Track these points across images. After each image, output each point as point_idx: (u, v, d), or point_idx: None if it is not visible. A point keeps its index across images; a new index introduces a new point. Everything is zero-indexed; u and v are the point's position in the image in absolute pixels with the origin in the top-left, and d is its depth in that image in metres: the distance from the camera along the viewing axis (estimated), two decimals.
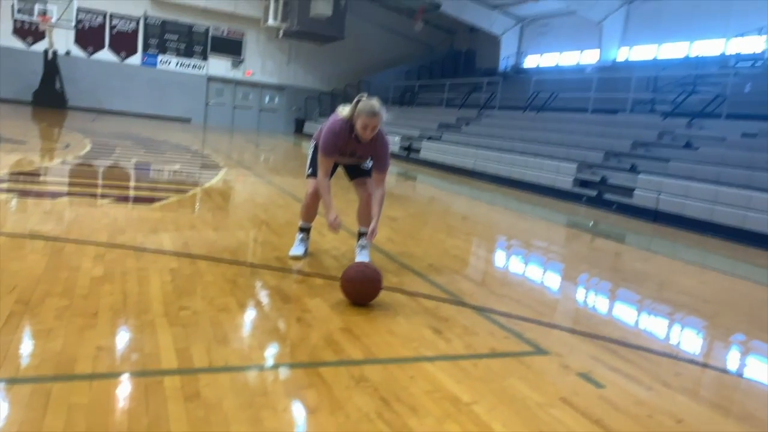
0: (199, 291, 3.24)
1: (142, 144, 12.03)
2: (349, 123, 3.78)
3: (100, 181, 7.13)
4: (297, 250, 4.21)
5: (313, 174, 4.05)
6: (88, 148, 9.94)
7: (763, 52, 13.74)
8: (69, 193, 5.97)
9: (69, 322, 2.60)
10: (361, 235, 4.22)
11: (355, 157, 4.01)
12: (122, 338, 2.54)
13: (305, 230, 4.29)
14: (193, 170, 9.18)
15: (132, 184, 7.30)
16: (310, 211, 4.21)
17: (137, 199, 6.17)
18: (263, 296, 3.35)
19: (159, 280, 3.34)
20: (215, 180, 8.10)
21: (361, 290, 3.28)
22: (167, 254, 3.90)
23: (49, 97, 20.69)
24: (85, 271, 3.35)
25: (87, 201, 5.56)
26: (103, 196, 6.04)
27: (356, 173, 4.20)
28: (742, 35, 14.29)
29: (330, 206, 3.85)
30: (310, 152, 4.21)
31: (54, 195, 5.70)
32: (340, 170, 4.25)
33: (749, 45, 14.13)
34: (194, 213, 5.63)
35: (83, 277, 3.24)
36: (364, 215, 4.15)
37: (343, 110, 3.82)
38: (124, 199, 6.03)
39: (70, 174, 7.31)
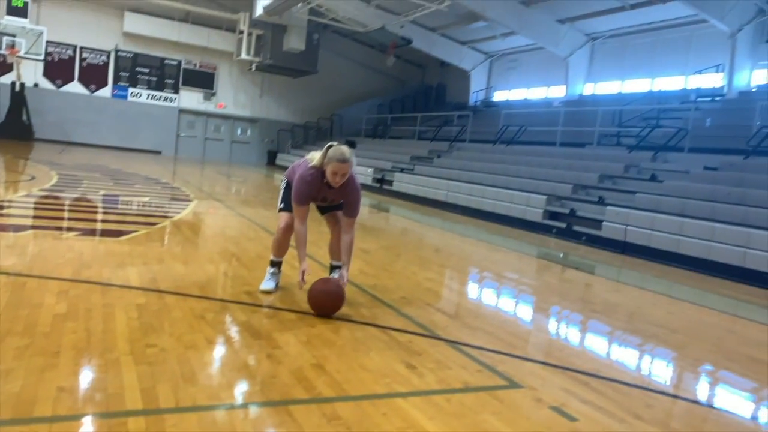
0: (166, 327, 3.16)
1: (110, 176, 11.86)
2: (320, 170, 3.82)
3: (66, 214, 6.98)
4: (268, 284, 4.17)
5: (285, 209, 4.09)
6: (54, 180, 9.75)
7: (722, 88, 14.30)
8: (33, 227, 5.81)
9: (29, 362, 2.51)
10: (333, 268, 4.23)
11: (327, 202, 4.08)
12: (85, 378, 2.45)
13: (277, 264, 4.26)
14: (162, 202, 9.06)
15: (99, 216, 7.16)
16: (281, 245, 4.20)
17: (104, 233, 6.04)
18: (233, 332, 3.29)
19: (125, 316, 3.25)
20: (185, 212, 7.99)
21: (324, 304, 3.65)
22: (134, 289, 3.81)
23: (16, 129, 20.32)
24: (48, 307, 3.25)
25: (52, 234, 5.43)
26: (69, 229, 5.90)
27: (328, 209, 4.24)
28: (700, 72, 14.87)
29: (303, 258, 3.88)
30: (282, 188, 4.22)
31: (17, 228, 5.55)
32: (311, 204, 4.24)
33: (708, 81, 14.69)
34: (163, 246, 5.53)
35: (45, 314, 3.14)
36: (336, 249, 4.19)
37: (314, 158, 3.85)
38: (91, 232, 5.90)
39: (35, 207, 7.14)
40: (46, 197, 7.90)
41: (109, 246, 5.16)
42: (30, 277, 3.81)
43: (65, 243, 5.06)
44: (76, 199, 8.14)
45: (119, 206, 8.12)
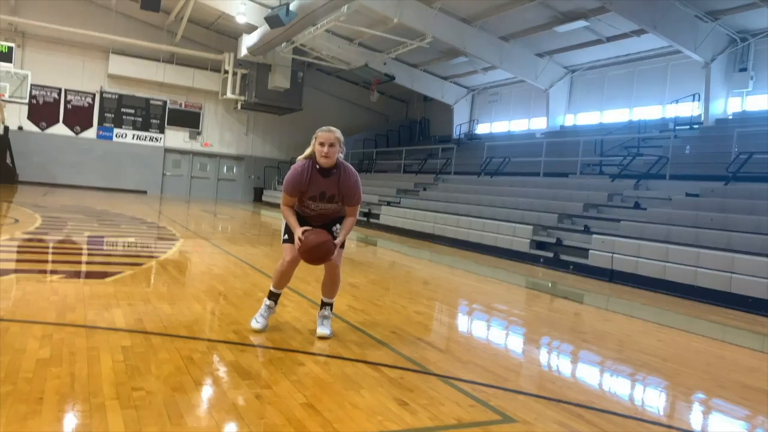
0: (153, 369, 3.10)
1: (95, 217, 11.77)
2: (310, 161, 3.86)
3: (50, 257, 6.89)
4: (258, 322, 4.06)
5: (290, 240, 3.96)
6: (38, 222, 9.65)
7: (699, 116, 14.63)
8: (16, 270, 5.72)
9: (11, 410, 2.44)
10: (323, 304, 4.16)
11: (325, 200, 3.91)
12: (69, 424, 2.39)
13: (274, 297, 4.13)
14: (148, 242, 8.98)
15: (84, 258, 7.08)
16: (283, 277, 4.07)
17: (89, 274, 5.96)
18: (221, 372, 3.23)
19: (110, 359, 3.19)
20: (171, 252, 7.93)
21: (315, 247, 3.76)
22: (120, 331, 3.75)
23: None
24: (31, 352, 3.18)
25: (35, 278, 5.35)
26: (53, 272, 5.82)
27: (323, 215, 4.06)
28: (677, 101, 15.22)
29: (295, 226, 3.87)
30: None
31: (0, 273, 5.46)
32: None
33: (685, 110, 15.03)
34: (149, 287, 5.46)
35: (28, 359, 3.07)
36: (328, 286, 4.13)
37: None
38: (76, 274, 5.82)
39: (18, 250, 7.05)
40: (29, 240, 7.81)
41: (94, 288, 5.09)
42: (13, 321, 3.74)
43: (49, 286, 4.98)
44: (61, 241, 8.05)
45: (104, 247, 8.04)
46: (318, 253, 3.80)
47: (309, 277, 6.10)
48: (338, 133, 3.83)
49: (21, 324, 3.71)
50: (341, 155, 3.89)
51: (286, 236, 4.03)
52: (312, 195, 3.90)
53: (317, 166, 3.84)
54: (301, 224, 3.92)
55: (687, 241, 8.43)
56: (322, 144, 3.77)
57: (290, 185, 3.88)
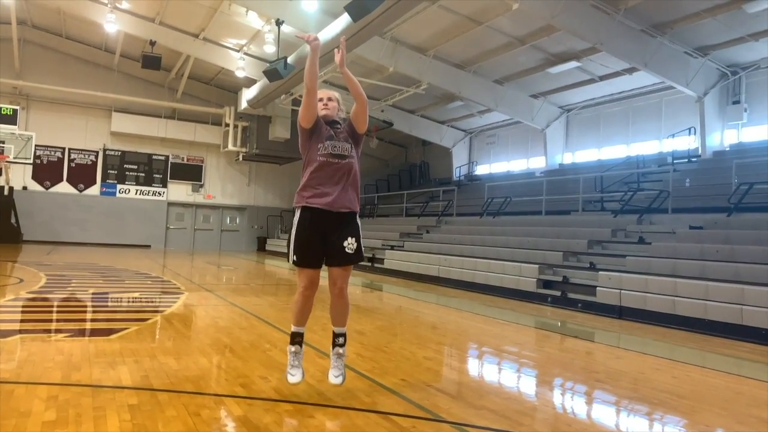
0: (160, 428, 3.05)
1: (100, 273, 11.76)
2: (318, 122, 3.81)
3: (54, 316, 6.86)
4: (294, 376, 3.70)
5: (302, 263, 3.63)
6: (42, 281, 9.64)
7: (696, 149, 14.76)
8: (21, 331, 5.69)
9: None
10: (336, 336, 3.80)
11: (336, 138, 3.79)
12: None
13: (298, 338, 3.74)
14: (153, 297, 8.95)
15: (89, 316, 7.04)
16: (304, 310, 3.70)
17: (94, 332, 5.92)
18: (229, 428, 3.17)
19: (117, 419, 3.14)
20: (176, 305, 7.89)
21: None
22: (126, 389, 3.70)
23: (4, 232, 20.34)
24: (36, 415, 3.13)
25: (40, 337, 5.31)
26: (58, 331, 5.78)
27: (335, 256, 3.70)
28: (673, 136, 15.38)
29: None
30: (294, 223, 3.74)
31: (4, 334, 5.42)
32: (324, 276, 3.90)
33: (682, 143, 15.17)
34: (154, 342, 5.41)
35: (33, 423, 3.02)
36: (337, 312, 3.79)
37: None
38: (80, 332, 5.78)
39: (23, 310, 7.02)
40: (33, 299, 7.78)
41: (100, 345, 5.05)
42: (18, 384, 3.70)
43: (54, 345, 4.94)
44: (65, 300, 8.02)
45: (109, 304, 8.00)
46: None
47: (315, 326, 6.04)
48: (337, 95, 3.92)
49: (26, 386, 3.66)
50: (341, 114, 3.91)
51: (296, 257, 3.65)
52: (324, 135, 3.77)
53: (327, 124, 3.84)
54: (314, 185, 3.70)
55: (694, 274, 8.37)
56: (320, 99, 3.83)
57: (304, 111, 3.72)
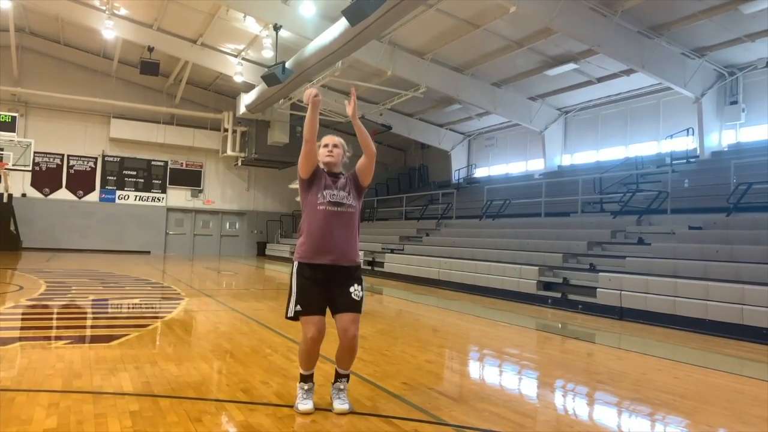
0: None
1: (100, 280, 11.74)
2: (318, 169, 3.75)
3: (54, 323, 6.85)
4: (306, 404, 3.57)
5: (306, 311, 3.54)
6: (42, 288, 9.63)
7: (695, 150, 14.78)
8: (21, 338, 5.68)
9: None
10: (339, 376, 3.68)
11: (337, 187, 3.71)
12: None
13: (308, 378, 3.65)
14: (153, 303, 8.94)
15: (89, 322, 7.03)
16: (311, 356, 3.60)
17: (95, 339, 5.91)
18: None
19: (118, 425, 3.13)
20: (176, 311, 7.88)
21: None
22: (127, 396, 3.69)
23: (3, 240, 20.31)
24: (37, 423, 3.12)
25: (40, 345, 5.30)
26: (58, 338, 5.78)
27: (342, 303, 3.64)
28: (671, 137, 15.40)
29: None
30: (293, 272, 3.67)
31: (4, 341, 5.42)
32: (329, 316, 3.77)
33: (680, 144, 15.19)
34: (155, 348, 5.41)
35: (35, 430, 3.02)
36: (345, 356, 3.63)
37: None
38: (81, 339, 5.77)
39: (23, 317, 7.02)
40: (33, 306, 7.77)
41: (100, 352, 5.04)
42: (18, 391, 3.69)
43: (55, 352, 4.93)
44: (65, 306, 8.01)
45: (109, 310, 7.99)
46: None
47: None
48: (342, 141, 3.85)
49: (27, 393, 3.66)
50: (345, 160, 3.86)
51: (299, 307, 3.56)
52: (326, 185, 3.70)
53: (326, 172, 3.76)
54: (314, 237, 3.62)
55: (695, 275, 8.37)
56: (326, 146, 3.77)
57: (303, 160, 3.66)
